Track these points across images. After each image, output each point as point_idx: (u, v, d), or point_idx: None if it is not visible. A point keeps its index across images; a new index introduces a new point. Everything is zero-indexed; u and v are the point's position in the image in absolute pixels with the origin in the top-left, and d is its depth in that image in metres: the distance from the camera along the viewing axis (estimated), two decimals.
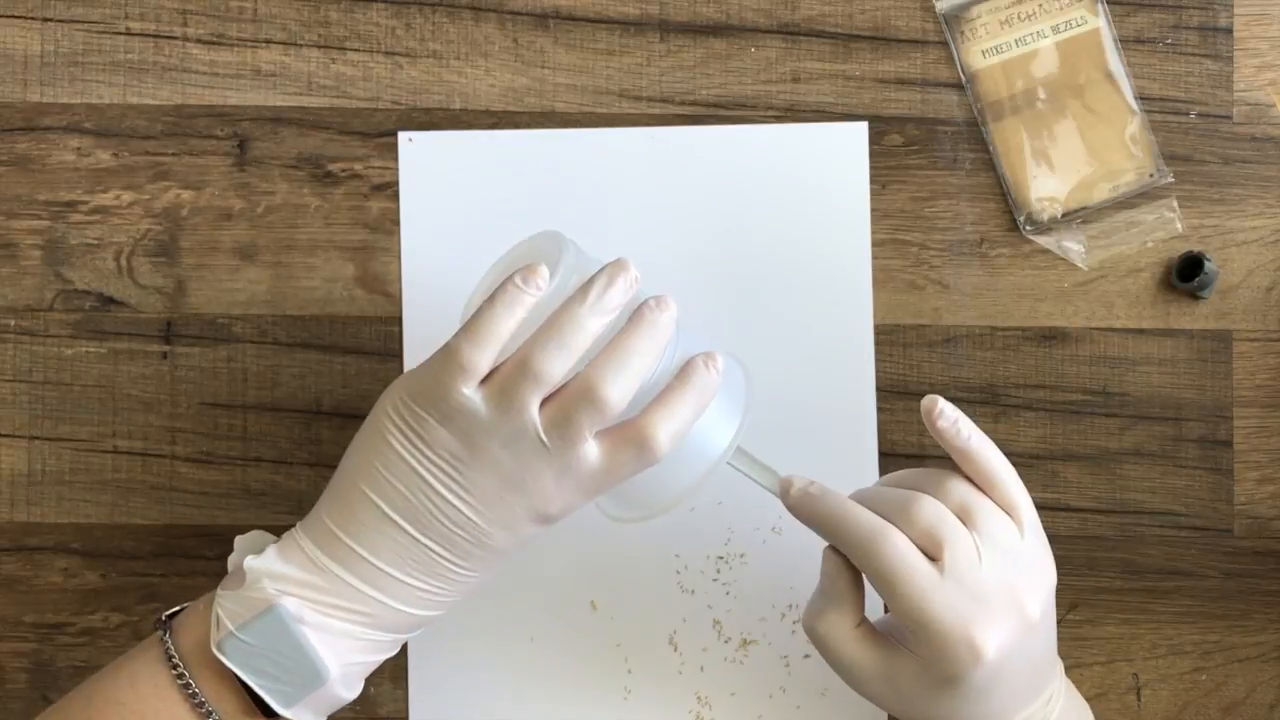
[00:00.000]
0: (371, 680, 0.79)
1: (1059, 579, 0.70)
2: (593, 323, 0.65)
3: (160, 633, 0.68)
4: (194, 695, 0.66)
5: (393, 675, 0.80)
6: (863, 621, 0.69)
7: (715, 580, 0.80)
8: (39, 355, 0.81)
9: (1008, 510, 0.68)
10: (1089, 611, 0.80)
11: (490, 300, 0.66)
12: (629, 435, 0.66)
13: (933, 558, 0.66)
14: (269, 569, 0.66)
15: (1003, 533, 0.68)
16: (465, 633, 0.80)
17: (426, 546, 0.66)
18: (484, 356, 0.65)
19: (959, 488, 0.68)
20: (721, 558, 0.80)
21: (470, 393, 0.65)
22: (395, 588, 0.66)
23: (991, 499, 0.68)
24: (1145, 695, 0.80)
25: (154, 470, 0.80)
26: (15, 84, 0.81)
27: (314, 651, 0.66)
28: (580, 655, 0.80)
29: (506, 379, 0.65)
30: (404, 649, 0.79)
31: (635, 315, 0.66)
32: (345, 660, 0.67)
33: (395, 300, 0.81)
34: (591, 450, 0.65)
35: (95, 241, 0.81)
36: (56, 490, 0.80)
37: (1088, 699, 0.75)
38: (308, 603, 0.66)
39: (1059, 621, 0.73)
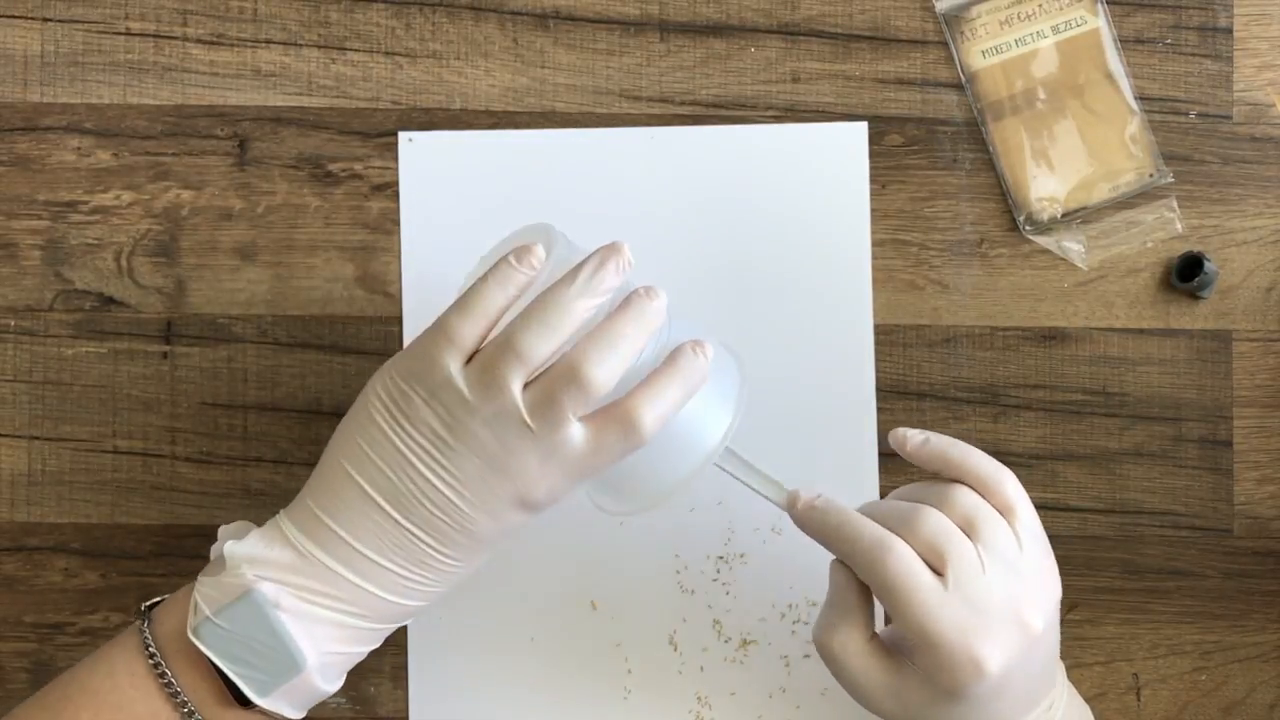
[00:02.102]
0: (371, 680, 0.79)
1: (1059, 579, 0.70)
2: (580, 304, 0.64)
3: (139, 621, 0.67)
4: (169, 685, 0.65)
5: (393, 675, 0.80)
6: (873, 635, 0.68)
7: (715, 580, 0.80)
8: (39, 355, 0.81)
9: (1003, 512, 0.68)
10: (1089, 611, 0.80)
11: (484, 277, 0.65)
12: (614, 415, 0.64)
13: (937, 570, 0.66)
14: (250, 554, 0.65)
15: (1007, 543, 0.67)
16: (465, 633, 0.80)
17: (408, 530, 0.65)
18: (471, 329, 0.64)
19: (963, 498, 0.67)
20: (721, 558, 0.80)
21: (455, 368, 0.64)
22: (376, 573, 0.65)
23: (990, 504, 0.68)
24: (1145, 695, 0.80)
25: (154, 470, 0.80)
26: (15, 84, 0.81)
27: (290, 639, 0.64)
28: (580, 655, 0.80)
29: (489, 357, 0.64)
30: (404, 649, 0.79)
31: (625, 300, 0.65)
32: (324, 649, 0.65)
33: (395, 300, 0.81)
34: (576, 432, 0.64)
35: (95, 241, 0.81)
36: (56, 490, 0.80)
37: (1088, 699, 0.75)
38: (287, 587, 0.64)
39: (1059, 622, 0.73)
